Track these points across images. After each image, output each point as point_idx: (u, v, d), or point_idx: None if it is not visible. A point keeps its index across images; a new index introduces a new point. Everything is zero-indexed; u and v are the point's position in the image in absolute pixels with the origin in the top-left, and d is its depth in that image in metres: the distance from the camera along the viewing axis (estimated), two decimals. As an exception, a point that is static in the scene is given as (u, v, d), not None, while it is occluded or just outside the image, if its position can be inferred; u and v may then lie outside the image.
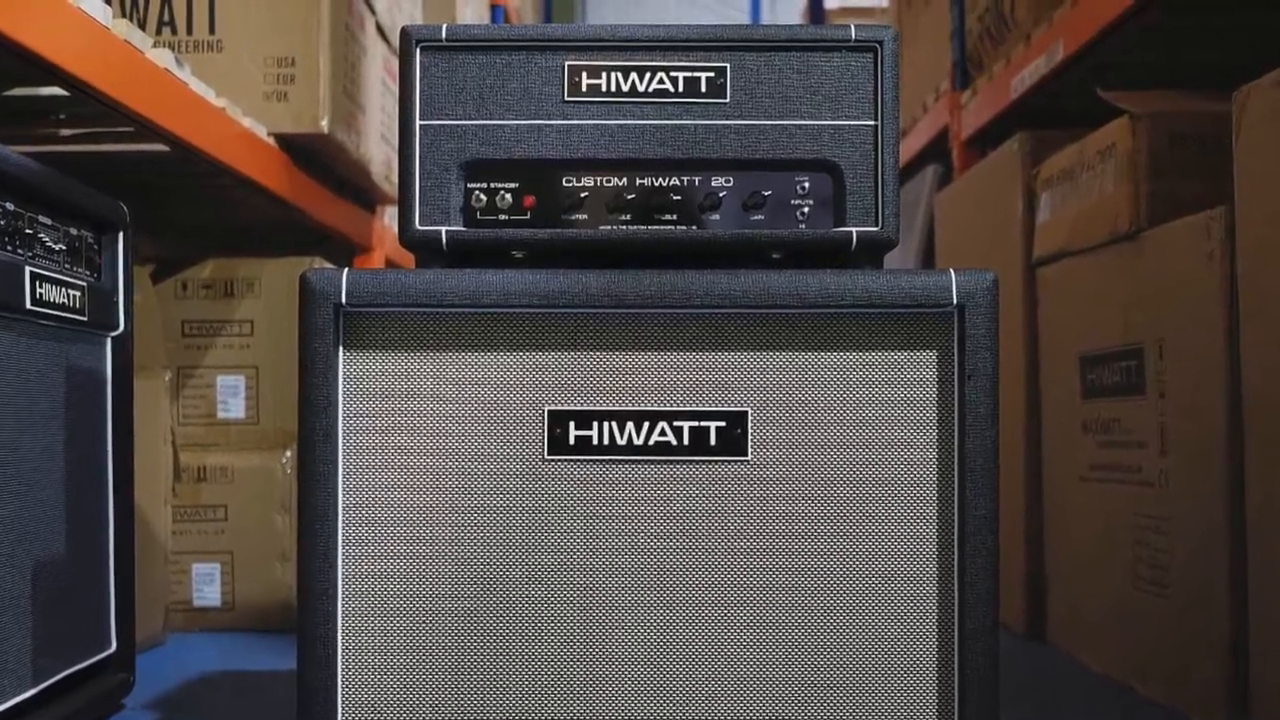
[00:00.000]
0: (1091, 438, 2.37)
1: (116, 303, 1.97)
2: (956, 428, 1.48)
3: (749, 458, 1.49)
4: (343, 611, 1.48)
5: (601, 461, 1.49)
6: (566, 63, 1.56)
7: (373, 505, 1.49)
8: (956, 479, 1.48)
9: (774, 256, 1.61)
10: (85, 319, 1.85)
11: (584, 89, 1.56)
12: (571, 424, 1.49)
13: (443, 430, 1.49)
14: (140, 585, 2.10)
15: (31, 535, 1.72)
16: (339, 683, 1.48)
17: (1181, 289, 2.04)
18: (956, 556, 1.48)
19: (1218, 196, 1.96)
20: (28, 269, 1.68)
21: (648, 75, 1.56)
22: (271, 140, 2.60)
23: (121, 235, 1.98)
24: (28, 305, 1.68)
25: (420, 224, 1.56)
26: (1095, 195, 2.32)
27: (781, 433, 1.49)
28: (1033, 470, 2.67)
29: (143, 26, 2.53)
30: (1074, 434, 2.45)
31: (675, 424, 1.49)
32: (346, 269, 1.48)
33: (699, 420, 1.49)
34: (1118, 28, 2.45)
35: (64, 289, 1.78)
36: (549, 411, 1.49)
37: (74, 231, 1.84)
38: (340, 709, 1.48)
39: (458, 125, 1.56)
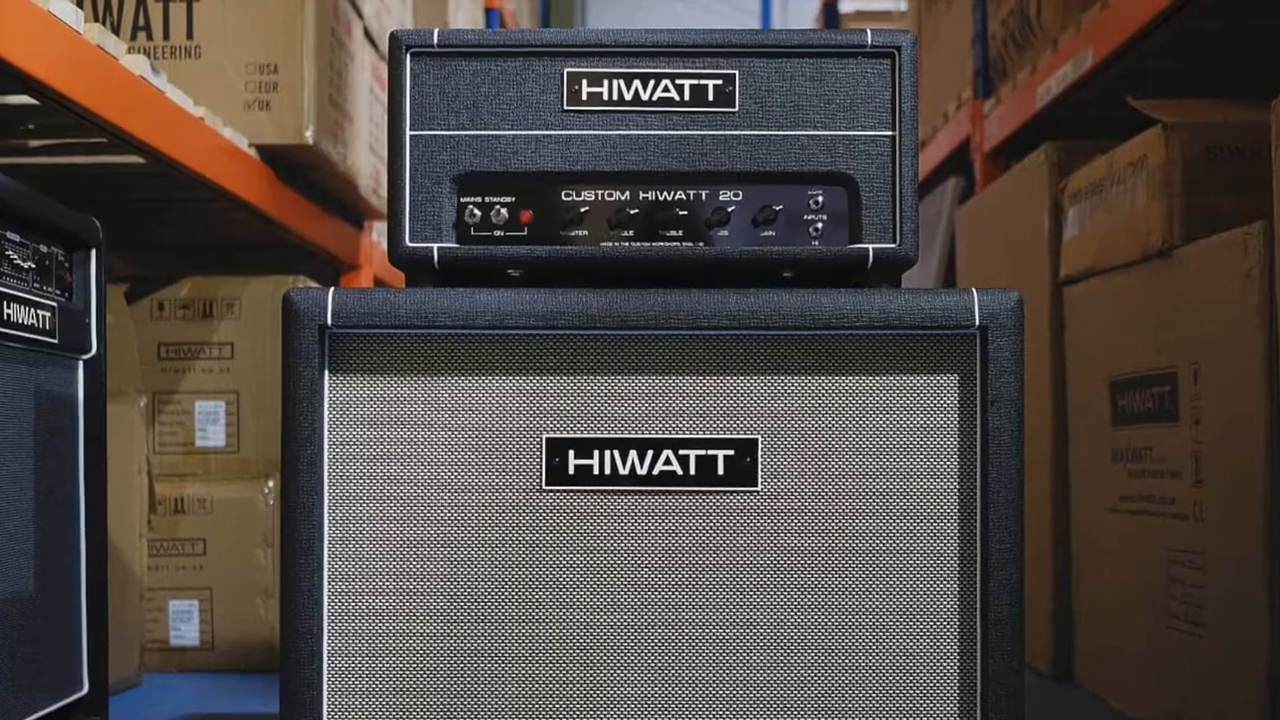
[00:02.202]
0: (1122, 467, 2.37)
1: (89, 324, 1.97)
2: (979, 456, 1.48)
3: (759, 488, 1.49)
4: (328, 651, 1.48)
5: (603, 492, 1.49)
6: (566, 69, 1.57)
7: (360, 539, 1.49)
8: (979, 511, 1.48)
9: (785, 275, 1.61)
10: (55, 341, 1.85)
11: (584, 97, 1.56)
12: (571, 452, 1.49)
13: (434, 459, 1.49)
14: (114, 623, 2.10)
15: (-2, 570, 1.72)
16: (324, 727, 1.48)
17: (1217, 309, 2.04)
18: (979, 593, 1.48)
19: (1256, 211, 1.96)
20: (-5, 288, 1.69)
21: (652, 83, 1.56)
22: (253, 151, 2.60)
23: (94, 253, 1.99)
24: (-5, 326, 1.68)
25: (411, 240, 1.56)
26: (1126, 210, 2.33)
27: (793, 462, 1.49)
28: (1060, 501, 2.67)
29: (116, 31, 2.53)
30: (1103, 463, 2.45)
31: (681, 453, 1.49)
32: (332, 288, 1.48)
33: (706, 449, 1.49)
34: (1150, 32, 2.46)
35: (33, 310, 1.78)
36: (547, 439, 1.49)
37: (44, 249, 1.84)
38: (325, 755, 1.48)
39: (450, 136, 1.56)
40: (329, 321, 1.47)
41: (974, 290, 1.48)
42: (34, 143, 2.34)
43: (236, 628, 2.73)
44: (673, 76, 1.56)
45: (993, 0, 3.52)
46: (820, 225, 1.57)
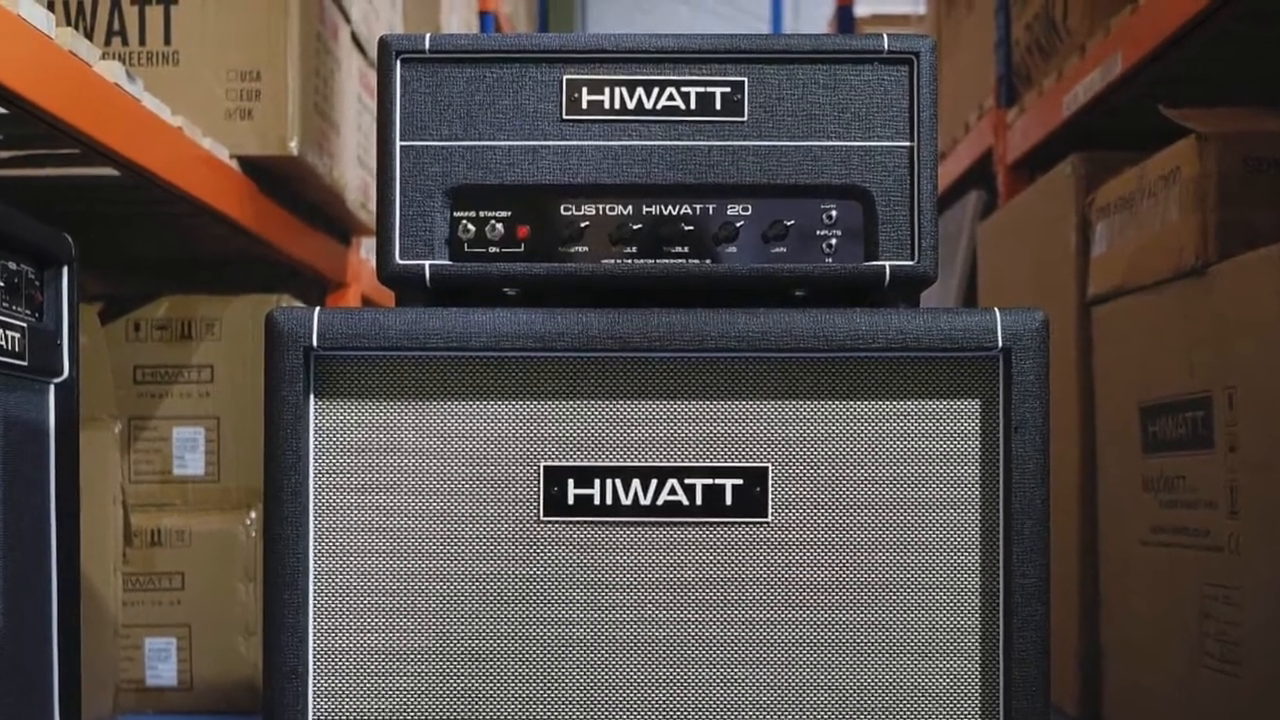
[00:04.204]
0: (1153, 497, 2.37)
1: (60, 346, 1.97)
2: (1002, 486, 1.48)
3: (769, 519, 1.49)
4: (314, 692, 1.48)
5: (604, 524, 1.49)
6: (565, 76, 1.57)
7: (347, 573, 1.49)
8: (1002, 543, 1.48)
9: (797, 294, 1.61)
10: (25, 364, 1.85)
11: (584, 106, 1.57)
12: (570, 481, 1.49)
13: (426, 488, 1.49)
14: (87, 662, 2.09)
15: (-37, 606, 1.72)
16: (308, 773, 1.48)
17: (1254, 330, 2.04)
18: (1002, 630, 1.47)
19: (1295, 226, 1.97)
20: (-38, 307, 1.69)
21: (656, 90, 1.57)
22: (234, 163, 2.60)
23: (66, 270, 1.98)
24: (-39, 348, 1.68)
25: (401, 257, 1.56)
26: (1158, 225, 2.33)
27: (805, 491, 1.49)
28: (1087, 533, 2.66)
29: (90, 36, 2.54)
30: (1134, 493, 2.45)
31: (687, 482, 1.49)
32: (318, 308, 1.48)
33: (713, 477, 1.49)
34: (1184, 37, 2.46)
35: (1, 330, 1.78)
36: (545, 468, 1.49)
37: (13, 266, 1.84)
38: (309, 802, 1.48)
39: (443, 146, 1.57)
40: (314, 343, 1.47)
41: (997, 310, 1.48)
42: (2, 154, 2.34)
43: (216, 667, 2.73)
44: (678, 84, 1.57)
45: (1017, 4, 3.53)
46: (834, 241, 1.57)
